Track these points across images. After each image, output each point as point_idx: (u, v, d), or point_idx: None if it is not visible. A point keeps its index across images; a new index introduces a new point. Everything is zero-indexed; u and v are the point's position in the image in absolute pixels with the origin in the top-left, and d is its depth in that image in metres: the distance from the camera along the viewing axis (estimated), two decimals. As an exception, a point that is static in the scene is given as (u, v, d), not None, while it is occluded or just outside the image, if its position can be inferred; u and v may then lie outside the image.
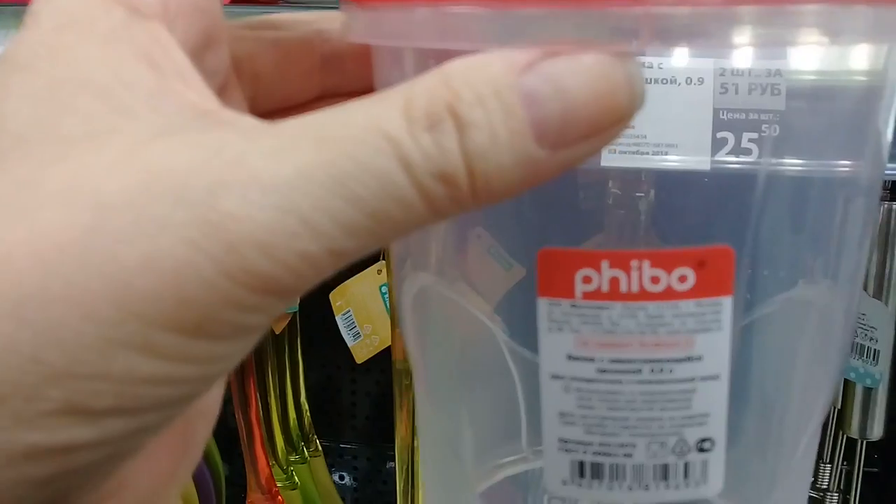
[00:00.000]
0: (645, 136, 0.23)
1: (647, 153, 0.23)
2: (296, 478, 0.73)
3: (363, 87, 0.22)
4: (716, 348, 0.20)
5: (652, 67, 0.24)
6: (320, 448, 0.75)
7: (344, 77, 0.23)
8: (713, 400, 0.20)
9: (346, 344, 0.69)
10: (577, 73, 0.14)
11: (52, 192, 0.14)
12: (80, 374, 0.13)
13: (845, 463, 0.63)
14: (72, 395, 0.13)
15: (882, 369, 0.57)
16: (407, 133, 0.14)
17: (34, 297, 0.13)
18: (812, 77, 0.22)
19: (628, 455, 0.20)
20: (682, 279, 0.19)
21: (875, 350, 0.56)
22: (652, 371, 0.20)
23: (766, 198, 0.22)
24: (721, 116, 0.23)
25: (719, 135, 0.23)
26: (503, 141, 0.14)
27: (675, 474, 0.21)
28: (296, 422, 0.73)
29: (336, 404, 0.84)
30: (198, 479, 0.68)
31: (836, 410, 0.60)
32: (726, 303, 0.20)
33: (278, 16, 0.22)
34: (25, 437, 0.13)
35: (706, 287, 0.19)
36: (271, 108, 0.22)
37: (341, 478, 0.85)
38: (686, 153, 0.23)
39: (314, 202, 0.13)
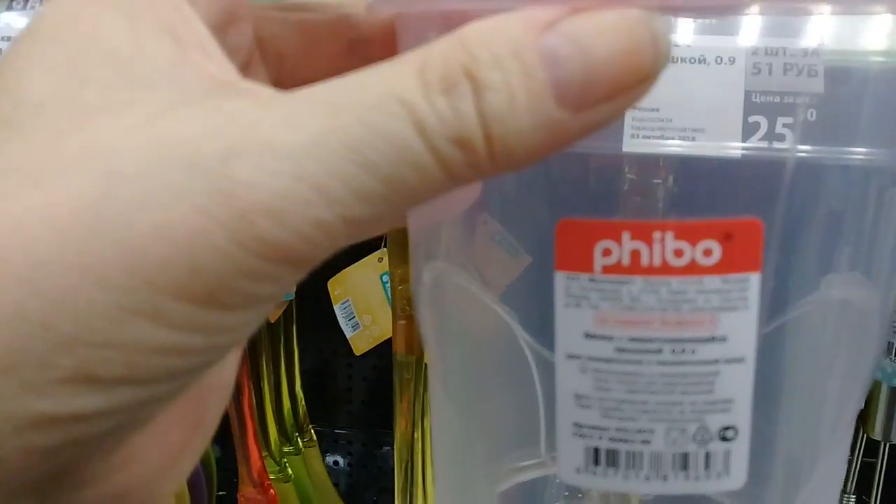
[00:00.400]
0: (671, 120, 0.22)
1: (673, 138, 0.22)
2: (289, 470, 0.71)
3: None
4: (742, 329, 0.19)
5: (679, 46, 0.23)
6: (315, 438, 0.74)
7: (370, 63, 0.22)
8: (738, 385, 0.19)
9: (343, 332, 0.68)
10: (599, 31, 0.14)
11: (68, 160, 0.14)
12: (90, 341, 0.13)
13: (863, 460, 0.61)
14: (81, 363, 0.13)
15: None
16: (422, 97, 0.14)
17: (47, 263, 0.13)
18: (852, 57, 0.21)
19: (646, 442, 0.19)
20: (708, 253, 0.18)
21: (904, 348, 0.54)
22: (673, 351, 0.19)
23: (798, 186, 0.20)
24: (753, 99, 0.21)
25: (751, 119, 0.21)
26: (522, 103, 0.14)
27: (695, 464, 0.19)
28: (290, 412, 0.71)
29: (332, 389, 0.83)
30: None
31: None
32: (754, 279, 0.18)
33: None
34: (34, 406, 0.13)
35: (733, 262, 0.18)
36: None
37: (336, 463, 0.84)
38: (714, 138, 0.22)
39: (327, 168, 0.13)
